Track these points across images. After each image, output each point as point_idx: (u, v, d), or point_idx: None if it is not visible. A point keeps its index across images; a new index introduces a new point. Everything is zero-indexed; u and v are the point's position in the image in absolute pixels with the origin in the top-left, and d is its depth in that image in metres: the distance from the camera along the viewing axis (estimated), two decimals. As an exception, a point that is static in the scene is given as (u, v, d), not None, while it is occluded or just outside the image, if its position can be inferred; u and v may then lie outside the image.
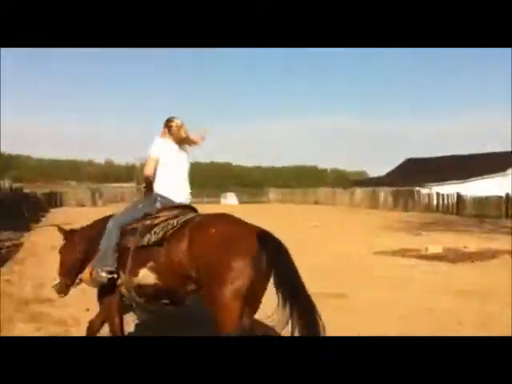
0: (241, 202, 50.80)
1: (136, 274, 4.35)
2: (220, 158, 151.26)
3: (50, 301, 7.06)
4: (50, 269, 9.64)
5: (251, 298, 3.84)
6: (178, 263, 4.09)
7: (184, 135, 4.84)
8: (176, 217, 4.43)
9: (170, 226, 4.30)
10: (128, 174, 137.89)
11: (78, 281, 4.92)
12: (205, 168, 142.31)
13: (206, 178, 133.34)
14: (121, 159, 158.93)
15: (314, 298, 3.93)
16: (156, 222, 4.43)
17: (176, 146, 4.84)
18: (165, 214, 4.51)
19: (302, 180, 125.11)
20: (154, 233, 4.32)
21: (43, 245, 13.88)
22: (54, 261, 10.43)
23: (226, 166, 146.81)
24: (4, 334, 5.64)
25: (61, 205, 42.46)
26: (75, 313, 6.49)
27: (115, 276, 4.46)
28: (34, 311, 6.56)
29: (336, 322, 5.24)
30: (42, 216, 26.56)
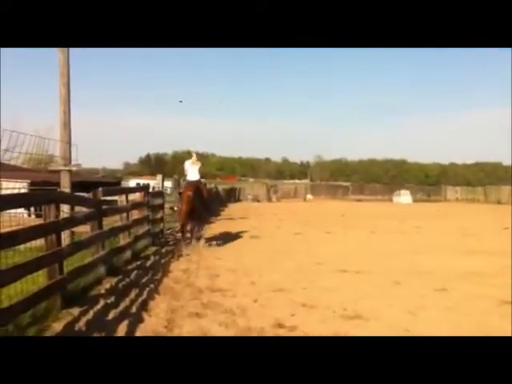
0: (415, 200, 49.42)
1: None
2: (395, 155, 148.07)
3: (222, 291, 7.62)
4: (224, 260, 10.53)
5: (191, 208, 11.86)
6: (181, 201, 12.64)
7: (195, 159, 12.77)
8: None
9: (182, 188, 13.11)
10: (303, 170, 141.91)
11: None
12: (380, 165, 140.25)
13: (380, 175, 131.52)
14: (295, 157, 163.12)
15: None
16: (182, 186, 14.07)
17: (191, 163, 12.69)
18: (184, 185, 13.00)
19: (483, 178, 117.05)
20: (179, 190, 13.71)
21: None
22: (227, 252, 11.88)
23: (401, 163, 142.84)
24: (176, 316, 6.15)
25: (239, 200, 45.39)
26: (243, 303, 6.87)
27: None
28: (206, 300, 7.03)
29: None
30: (222, 210, 28.71)
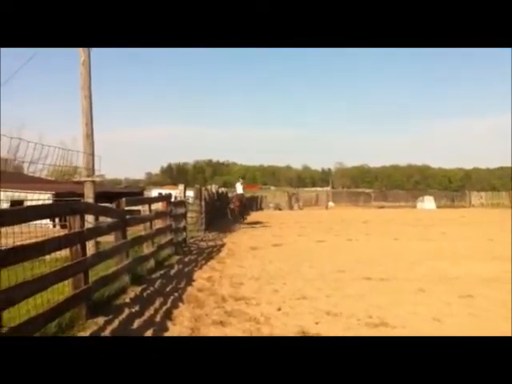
0: (439, 207, 48.85)
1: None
2: (418, 160, 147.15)
3: (245, 299, 7.63)
4: (247, 268, 10.55)
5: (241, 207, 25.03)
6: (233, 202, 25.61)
7: (242, 183, 26.15)
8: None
9: (233, 196, 26.39)
10: (324, 177, 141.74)
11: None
12: (402, 171, 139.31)
13: (402, 181, 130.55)
14: (316, 164, 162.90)
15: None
16: (233, 195, 27.16)
17: (240, 185, 25.46)
18: (234, 195, 26.26)
19: (508, 182, 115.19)
20: (232, 198, 26.95)
21: (243, 246, 15.06)
22: (251, 261, 11.72)
23: (424, 169, 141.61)
24: (200, 324, 6.16)
25: (261, 208, 45.36)
26: (267, 311, 6.87)
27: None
28: (230, 308, 7.05)
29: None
30: (244, 218, 28.97)
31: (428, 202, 49.18)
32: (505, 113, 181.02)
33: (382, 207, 48.36)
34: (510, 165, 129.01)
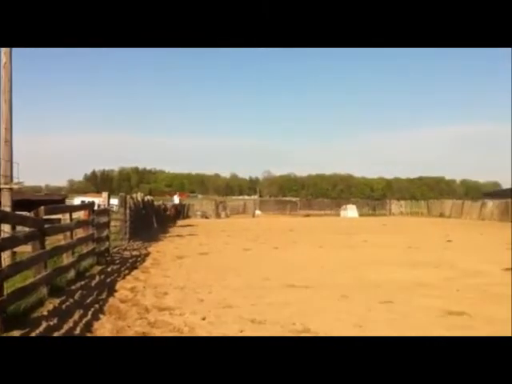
0: (361, 215, 50.36)
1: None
2: (342, 169, 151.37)
3: (169, 309, 7.51)
4: (172, 278, 10.40)
5: (175, 213, 35.61)
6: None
7: (178, 195, 42.64)
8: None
9: (171, 205, 36.32)
10: (252, 186, 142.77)
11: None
12: (327, 179, 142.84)
13: (328, 190, 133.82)
14: (245, 173, 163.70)
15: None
16: (168, 206, 35.60)
17: (177, 197, 41.04)
18: (172, 204, 37.32)
19: (427, 192, 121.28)
20: (170, 207, 35.27)
21: (169, 255, 14.89)
22: (176, 270, 11.62)
23: (348, 178, 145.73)
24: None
25: (187, 216, 45.04)
26: (191, 321, 6.80)
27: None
28: (153, 318, 6.92)
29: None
30: (170, 227, 28.55)
31: (351, 211, 50.64)
32: (429, 127, 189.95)
33: (308, 215, 49.30)
34: (429, 175, 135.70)
